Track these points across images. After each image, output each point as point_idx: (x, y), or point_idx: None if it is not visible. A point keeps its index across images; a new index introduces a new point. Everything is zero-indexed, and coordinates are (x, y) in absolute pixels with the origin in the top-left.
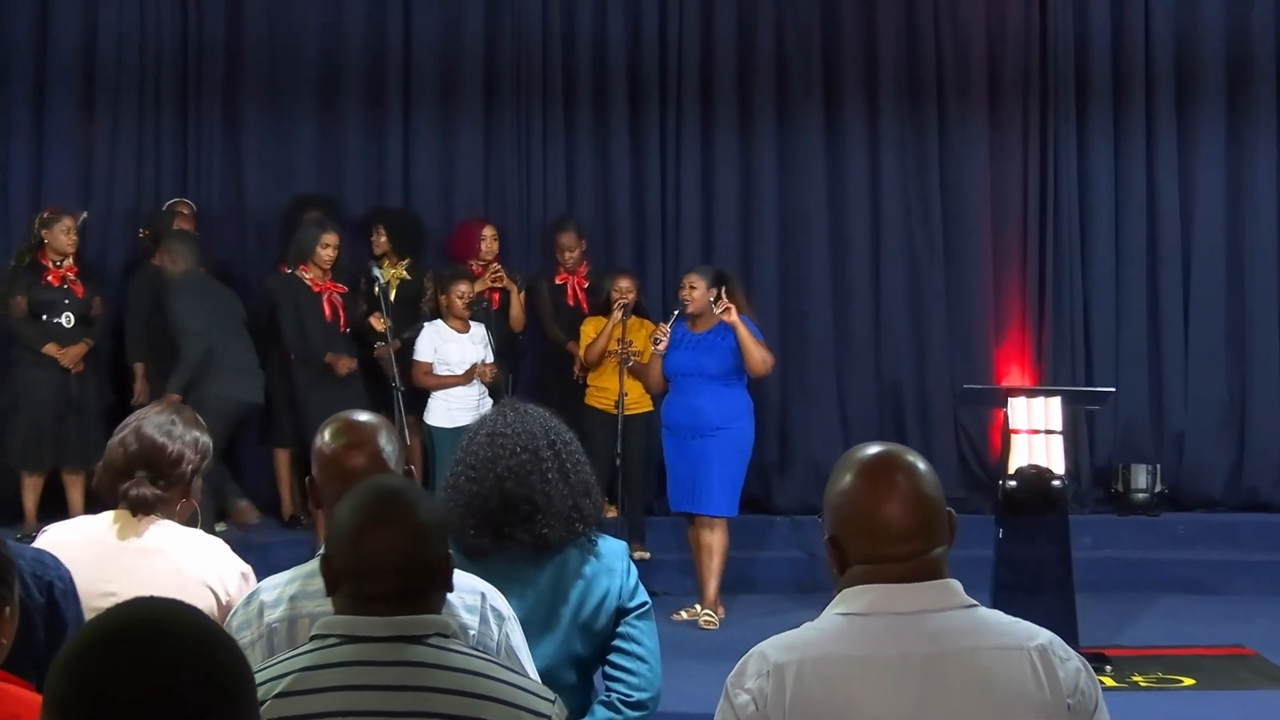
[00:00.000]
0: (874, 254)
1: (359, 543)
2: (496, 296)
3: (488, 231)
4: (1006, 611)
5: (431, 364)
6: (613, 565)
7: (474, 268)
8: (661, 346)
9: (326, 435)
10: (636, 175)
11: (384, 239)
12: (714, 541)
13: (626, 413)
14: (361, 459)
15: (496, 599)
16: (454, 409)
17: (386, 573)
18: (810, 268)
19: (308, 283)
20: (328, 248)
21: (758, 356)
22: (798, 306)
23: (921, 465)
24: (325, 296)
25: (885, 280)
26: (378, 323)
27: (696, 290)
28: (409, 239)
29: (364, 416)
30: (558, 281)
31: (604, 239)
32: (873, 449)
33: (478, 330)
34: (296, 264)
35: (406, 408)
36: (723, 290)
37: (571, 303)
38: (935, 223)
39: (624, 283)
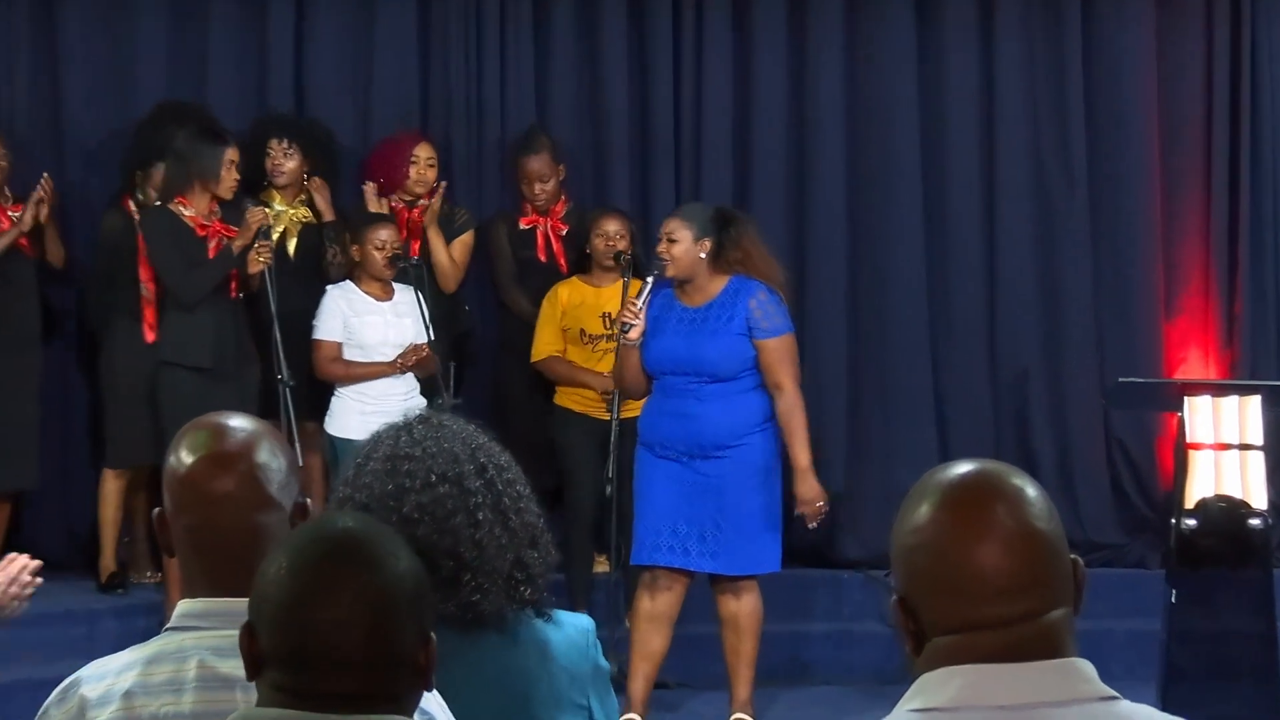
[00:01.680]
0: (985, 193)
1: (301, 615)
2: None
3: (421, 152)
4: (1181, 711)
5: (339, 346)
6: (572, 651)
7: (398, 207)
8: (633, 334)
9: (182, 449)
10: (637, 74)
11: (289, 162)
12: (740, 614)
13: (624, 416)
14: (229, 482)
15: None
16: (371, 413)
17: (342, 662)
18: (893, 215)
19: (187, 220)
20: (232, 168)
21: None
22: (873, 270)
23: (1031, 490)
24: (214, 242)
25: (1002, 230)
26: (255, 261)
27: (679, 244)
28: (326, 160)
29: (237, 422)
30: (522, 226)
31: (590, 166)
32: (960, 469)
33: (405, 296)
34: (171, 196)
35: (300, 410)
36: (721, 239)
37: (543, 256)
38: (1076, 145)
39: (611, 226)
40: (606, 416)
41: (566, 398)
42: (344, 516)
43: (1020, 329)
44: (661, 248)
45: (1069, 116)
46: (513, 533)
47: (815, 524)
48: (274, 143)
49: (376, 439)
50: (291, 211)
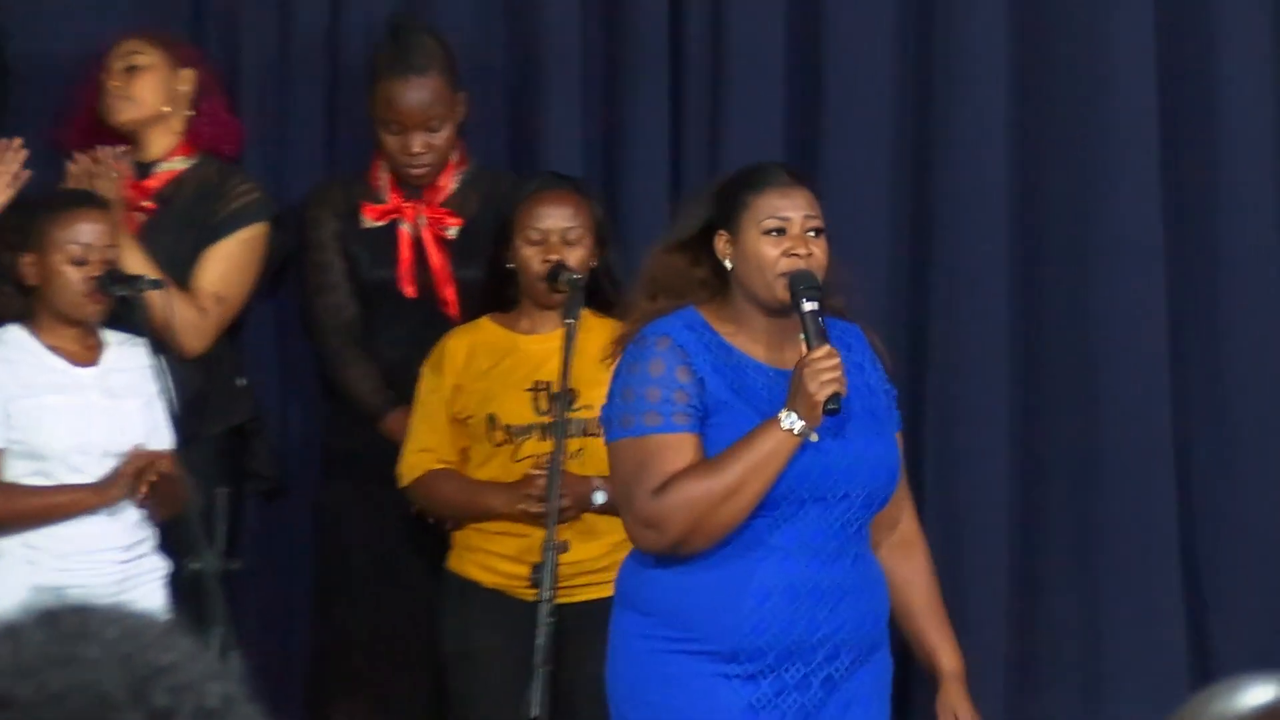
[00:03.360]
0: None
1: None
2: None
3: (125, 51)
4: None
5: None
6: None
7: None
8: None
9: None
10: None
11: None
12: None
13: (568, 597)
14: None
15: None
16: (48, 569)
17: None
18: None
19: None
20: None
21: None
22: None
23: None
24: None
25: None
26: None
27: (823, 239)
28: None
29: None
30: (368, 220)
31: (515, 94)
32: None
33: (126, 358)
34: None
35: None
36: None
37: (409, 286)
38: None
39: (550, 216)
40: (530, 596)
41: (467, 558)
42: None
43: None
44: (799, 247)
45: None
46: None
47: None
48: None
49: None
50: None
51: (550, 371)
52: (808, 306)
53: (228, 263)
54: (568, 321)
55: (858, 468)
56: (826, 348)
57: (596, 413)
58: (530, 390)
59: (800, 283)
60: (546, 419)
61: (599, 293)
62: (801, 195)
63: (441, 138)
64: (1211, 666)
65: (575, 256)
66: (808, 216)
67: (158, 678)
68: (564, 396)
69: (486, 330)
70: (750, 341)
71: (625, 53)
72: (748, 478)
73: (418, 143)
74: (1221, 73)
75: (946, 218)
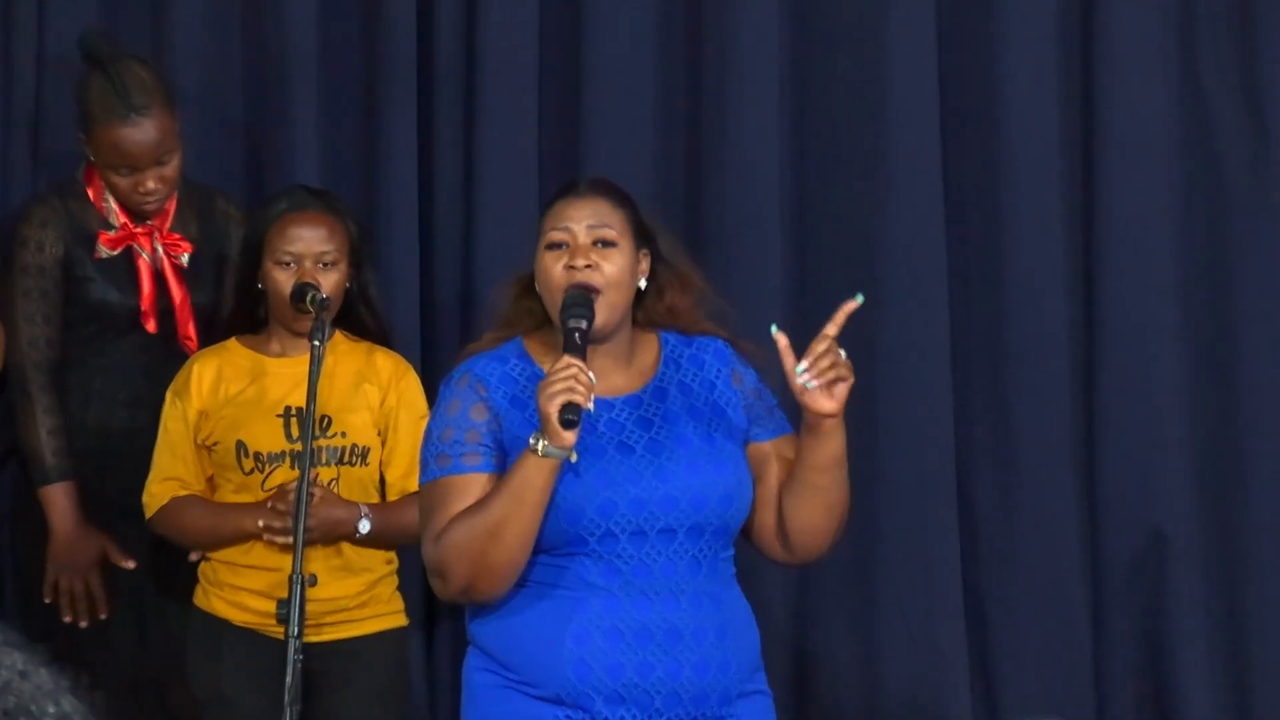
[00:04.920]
0: None
1: None
2: None
3: None
4: None
5: None
6: None
7: None
8: (569, 436)
9: None
10: None
11: None
12: None
13: (316, 636)
14: None
15: None
16: None
17: None
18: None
19: None
20: None
21: (845, 499)
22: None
23: None
24: None
25: None
26: None
27: (618, 253)
28: None
29: None
30: (103, 250)
31: (245, 103)
32: None
33: None
34: None
35: None
36: (653, 253)
37: (151, 323)
38: None
39: (300, 239)
40: (281, 633)
41: (214, 594)
42: None
43: None
44: (577, 258)
45: None
46: None
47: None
48: None
49: None
50: None
51: (302, 397)
52: (572, 324)
53: None
54: (314, 344)
55: (679, 498)
56: (564, 359)
57: (351, 440)
58: (281, 416)
59: (571, 300)
60: (298, 446)
61: (355, 315)
62: (590, 205)
63: (172, 168)
64: (996, 705)
65: (330, 281)
66: (591, 227)
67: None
68: (309, 421)
69: (234, 353)
70: None
71: (371, 59)
72: (509, 512)
73: (151, 180)
74: (1003, 73)
75: (718, 230)
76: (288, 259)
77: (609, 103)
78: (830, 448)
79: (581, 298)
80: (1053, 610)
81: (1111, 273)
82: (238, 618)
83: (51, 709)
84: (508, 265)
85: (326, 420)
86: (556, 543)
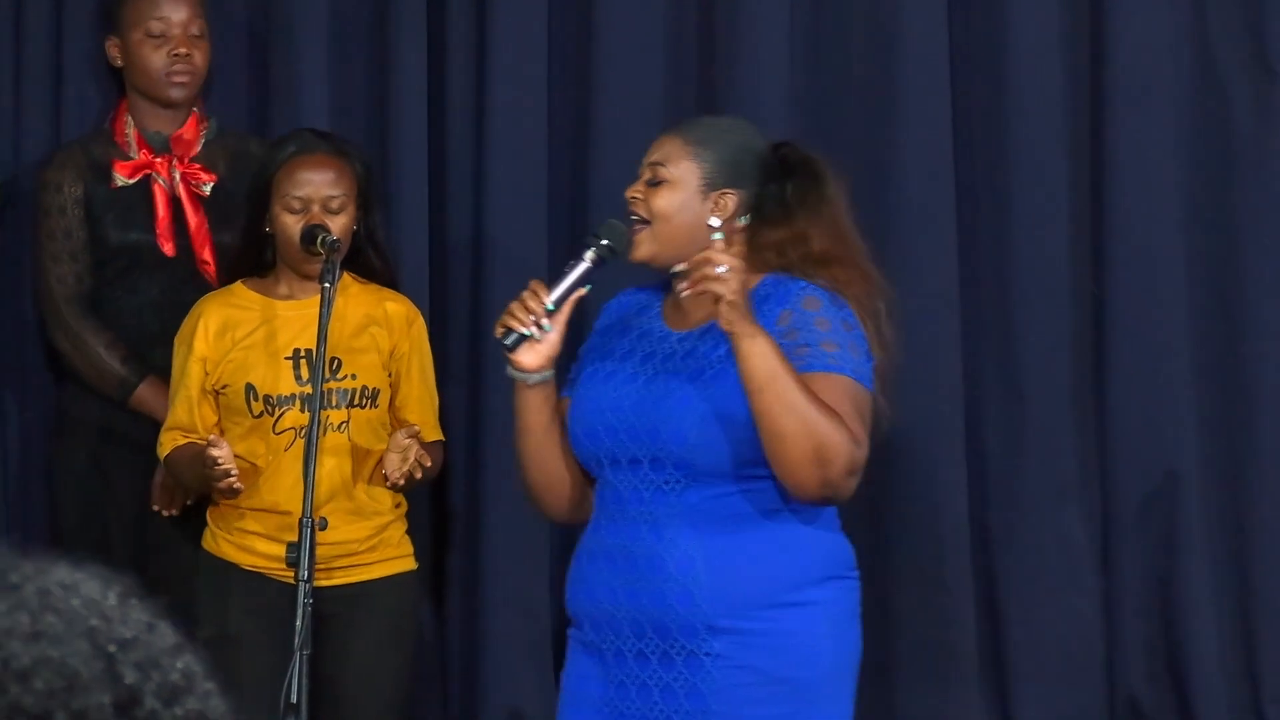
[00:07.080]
0: None
1: None
2: None
3: None
4: None
5: None
6: None
7: None
8: (526, 356)
9: None
10: None
11: None
12: None
13: (327, 580)
14: None
15: None
16: None
17: None
18: None
19: None
20: None
21: (797, 429)
22: None
23: None
24: None
25: None
26: None
27: (670, 188)
28: None
29: None
30: (119, 179)
31: (250, 43)
32: None
33: None
34: None
35: None
36: (774, 199)
37: (169, 245)
38: None
39: (310, 182)
40: (289, 577)
41: (221, 538)
42: None
43: None
44: (636, 190)
45: None
46: None
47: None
48: None
49: None
50: None
51: (311, 339)
52: (588, 255)
53: None
54: (325, 286)
55: (637, 428)
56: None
57: (361, 382)
58: (290, 359)
59: (597, 231)
60: (308, 389)
61: (362, 257)
62: (660, 143)
63: (202, 50)
64: (1004, 644)
65: (339, 225)
66: (654, 164)
67: (123, 653)
68: (319, 363)
69: (241, 296)
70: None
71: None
72: (515, 436)
73: (183, 45)
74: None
75: None
76: (296, 203)
77: (621, 23)
78: (744, 368)
79: (613, 230)
80: (1061, 551)
81: (1118, 212)
82: (245, 561)
83: (179, 665)
84: (518, 205)
85: (336, 362)
86: (587, 466)
